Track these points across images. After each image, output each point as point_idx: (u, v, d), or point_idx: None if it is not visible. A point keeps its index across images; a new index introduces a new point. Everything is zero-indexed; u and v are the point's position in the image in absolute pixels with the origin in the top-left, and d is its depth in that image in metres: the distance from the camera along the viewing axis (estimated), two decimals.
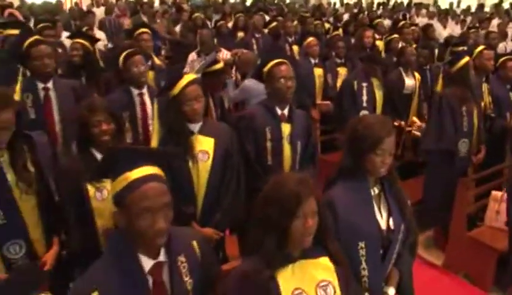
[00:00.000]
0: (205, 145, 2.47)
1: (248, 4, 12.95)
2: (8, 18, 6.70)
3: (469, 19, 11.48)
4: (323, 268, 1.60)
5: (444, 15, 10.81)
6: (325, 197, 1.87)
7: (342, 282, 1.61)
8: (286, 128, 2.77)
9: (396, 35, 5.67)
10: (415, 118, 4.48)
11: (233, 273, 1.59)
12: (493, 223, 3.45)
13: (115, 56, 3.47)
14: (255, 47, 6.60)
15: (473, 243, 3.40)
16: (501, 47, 7.23)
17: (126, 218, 1.42)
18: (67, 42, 5.57)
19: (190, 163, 2.41)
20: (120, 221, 1.44)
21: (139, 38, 4.21)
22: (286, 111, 2.78)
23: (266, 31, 7.16)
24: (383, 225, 1.90)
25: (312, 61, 5.04)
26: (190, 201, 2.45)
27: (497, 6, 13.01)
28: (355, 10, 11.97)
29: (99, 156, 2.24)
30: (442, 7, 13.59)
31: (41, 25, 4.73)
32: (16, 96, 2.87)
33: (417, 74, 4.66)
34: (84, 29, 6.43)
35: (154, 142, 2.68)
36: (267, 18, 8.22)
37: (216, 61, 3.74)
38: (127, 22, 8.36)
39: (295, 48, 6.28)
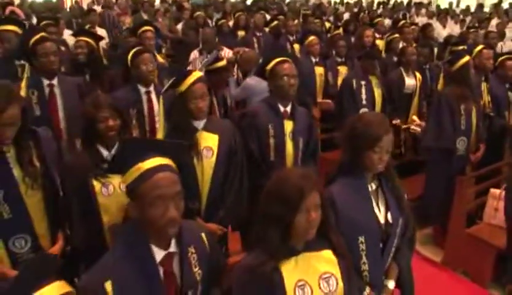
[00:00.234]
0: (209, 141, 2.51)
1: (248, 3, 12.95)
2: (10, 15, 6.70)
3: (468, 19, 11.51)
4: (326, 261, 1.64)
5: (444, 15, 10.83)
6: (325, 194, 1.90)
7: (344, 274, 1.65)
8: (288, 125, 2.81)
9: (397, 35, 5.70)
10: (415, 117, 4.51)
11: (238, 266, 1.62)
12: (491, 220, 3.48)
13: (122, 54, 3.49)
14: (256, 45, 6.61)
15: (471, 240, 3.44)
16: (498, 46, 7.28)
17: (138, 208, 1.45)
18: (69, 40, 5.60)
19: (195, 160, 2.44)
20: (133, 212, 1.47)
21: (142, 36, 4.24)
22: (288, 108, 2.82)
23: (266, 29, 7.19)
24: (382, 220, 1.94)
25: (313, 59, 5.07)
26: (195, 197, 2.47)
27: (496, 6, 13.04)
28: (355, 9, 11.99)
29: (104, 152, 2.25)
30: (442, 7, 13.62)
31: (44, 22, 4.76)
32: (22, 93, 2.89)
33: (418, 74, 4.69)
34: (86, 27, 6.45)
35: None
36: (267, 17, 8.24)
37: (219, 59, 3.76)
38: (128, 20, 8.36)
39: (296, 46, 6.30)
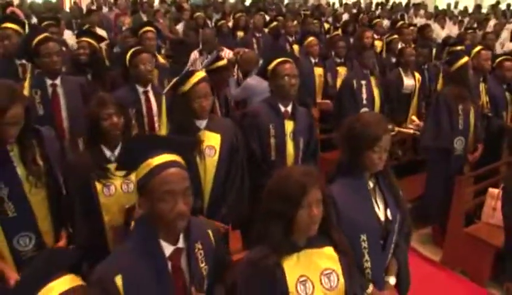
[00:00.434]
0: (212, 140, 2.53)
1: (247, 4, 12.98)
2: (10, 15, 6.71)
3: (466, 20, 11.56)
4: (327, 257, 1.67)
5: (442, 16, 10.88)
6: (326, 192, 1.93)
7: (345, 270, 1.68)
8: (289, 125, 2.84)
9: (396, 36, 5.74)
10: (414, 117, 4.55)
11: (242, 261, 1.65)
12: (489, 220, 3.51)
13: (121, 54, 3.50)
14: (255, 46, 6.64)
15: (470, 239, 3.46)
16: (496, 46, 7.34)
17: (148, 203, 1.48)
18: (70, 40, 5.62)
19: (198, 159, 2.46)
20: (143, 207, 1.50)
21: (143, 36, 4.25)
22: (289, 108, 2.84)
23: (266, 30, 7.22)
24: (381, 217, 1.97)
25: (312, 60, 5.10)
26: (197, 195, 2.46)
27: (494, 7, 13.09)
28: (354, 11, 12.03)
29: (108, 152, 2.28)
30: (440, 8, 13.67)
31: (46, 23, 4.77)
32: (25, 92, 2.89)
33: (417, 74, 4.73)
34: (86, 27, 6.46)
35: None
36: (267, 17, 8.28)
37: (219, 58, 3.77)
38: (127, 21, 8.38)
39: (295, 47, 6.33)
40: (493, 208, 3.49)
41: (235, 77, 4.69)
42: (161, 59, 4.44)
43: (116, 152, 2.29)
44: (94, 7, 9.57)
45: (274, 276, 1.57)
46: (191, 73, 2.53)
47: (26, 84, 3.02)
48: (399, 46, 5.44)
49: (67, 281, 1.21)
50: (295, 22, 7.64)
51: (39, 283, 1.17)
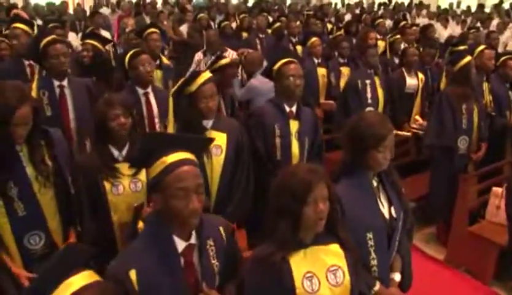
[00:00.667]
0: (218, 140, 2.55)
1: (249, 5, 13.00)
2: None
3: (469, 19, 11.54)
4: (333, 254, 1.69)
5: (445, 16, 10.87)
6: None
7: (351, 267, 1.70)
8: (294, 125, 2.86)
9: (398, 36, 5.75)
10: (417, 117, 4.57)
11: (249, 258, 1.68)
12: (493, 218, 3.52)
13: (123, 56, 3.52)
14: (258, 47, 6.67)
15: (474, 238, 3.47)
16: (499, 43, 7.34)
17: (162, 200, 1.51)
18: (74, 42, 5.66)
19: (205, 158, 2.49)
20: (157, 204, 1.54)
21: (148, 38, 4.27)
22: (294, 108, 2.87)
23: (269, 31, 7.24)
24: (386, 215, 1.99)
25: (315, 60, 5.12)
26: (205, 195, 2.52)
27: (497, 6, 13.06)
28: (357, 11, 12.04)
29: (115, 152, 2.30)
30: (442, 7, 13.65)
31: (51, 25, 4.80)
32: (33, 94, 2.91)
33: (420, 74, 4.74)
34: (90, 29, 6.50)
35: None
36: (269, 18, 8.30)
37: (221, 57, 3.77)
38: (131, 22, 8.42)
39: (298, 48, 6.35)
40: (497, 206, 3.50)
41: (239, 77, 4.71)
42: (165, 60, 4.46)
43: (124, 151, 2.32)
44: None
45: (280, 272, 1.59)
46: (198, 74, 2.56)
47: (34, 85, 3.04)
48: (402, 46, 5.45)
49: (86, 276, 1.24)
50: (298, 23, 7.66)
51: (59, 278, 1.20)
